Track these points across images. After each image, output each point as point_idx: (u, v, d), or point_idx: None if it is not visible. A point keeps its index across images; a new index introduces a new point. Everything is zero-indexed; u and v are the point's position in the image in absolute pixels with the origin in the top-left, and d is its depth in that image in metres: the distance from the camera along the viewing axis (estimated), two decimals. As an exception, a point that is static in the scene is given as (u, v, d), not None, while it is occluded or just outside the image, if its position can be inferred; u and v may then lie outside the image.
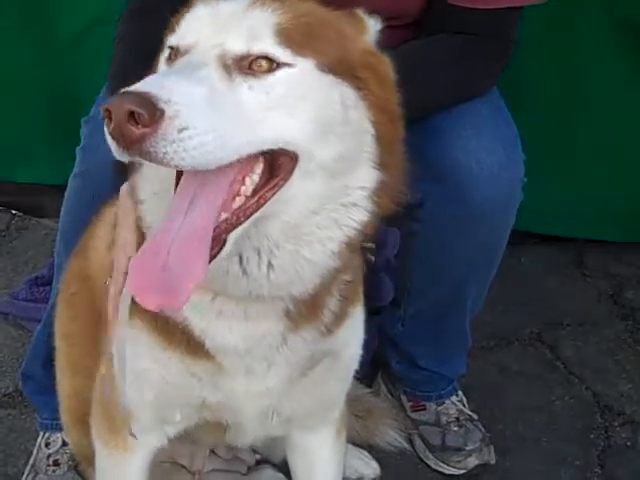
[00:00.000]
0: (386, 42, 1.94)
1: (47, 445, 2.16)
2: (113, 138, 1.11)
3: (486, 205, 1.95)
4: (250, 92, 1.20)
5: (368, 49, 1.37)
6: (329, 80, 1.27)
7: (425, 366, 2.34)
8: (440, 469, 2.32)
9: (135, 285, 1.18)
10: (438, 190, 1.97)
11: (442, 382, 2.39)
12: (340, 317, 1.49)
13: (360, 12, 1.42)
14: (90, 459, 1.70)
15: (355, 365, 1.65)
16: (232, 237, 1.22)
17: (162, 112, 1.09)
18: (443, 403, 2.39)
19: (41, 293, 2.66)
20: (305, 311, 1.40)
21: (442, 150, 1.94)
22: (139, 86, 1.11)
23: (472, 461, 2.29)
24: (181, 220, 1.19)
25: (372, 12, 1.92)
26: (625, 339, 2.88)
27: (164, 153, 1.10)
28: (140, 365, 1.48)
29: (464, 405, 2.40)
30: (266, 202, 1.24)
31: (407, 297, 2.26)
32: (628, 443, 2.46)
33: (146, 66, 1.39)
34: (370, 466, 2.30)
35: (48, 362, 1.94)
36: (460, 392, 2.43)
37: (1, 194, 3.22)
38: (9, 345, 2.65)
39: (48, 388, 1.96)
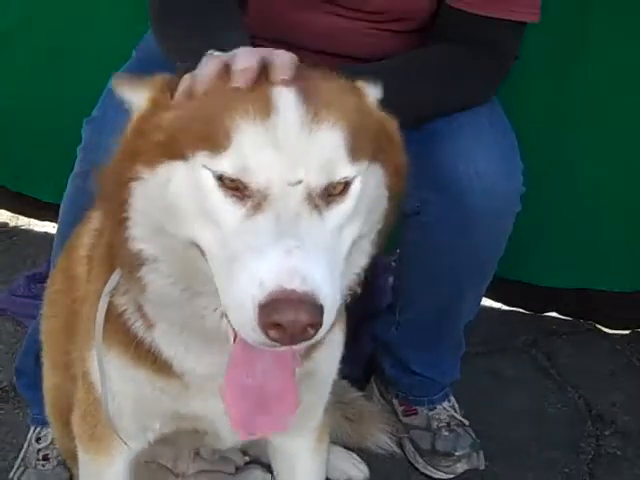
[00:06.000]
0: (392, 49, 1.99)
1: (37, 440, 2.17)
2: (274, 340, 1.10)
3: (484, 214, 1.96)
4: (332, 219, 1.19)
5: (377, 114, 1.33)
6: (371, 170, 1.26)
7: (418, 371, 2.35)
8: (429, 473, 2.32)
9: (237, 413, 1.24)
10: (436, 199, 1.98)
11: (434, 387, 2.39)
12: (316, 345, 1.47)
13: (360, 84, 1.35)
14: (73, 454, 1.72)
15: (332, 379, 1.65)
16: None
17: (322, 307, 1.09)
18: (435, 408, 2.39)
19: (39, 290, 2.65)
20: None
21: (441, 159, 1.95)
22: (294, 283, 1.07)
23: (461, 466, 2.30)
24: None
25: (382, 11, 1.96)
26: (621, 350, 2.89)
27: (319, 337, 1.12)
28: (113, 382, 1.50)
29: (455, 411, 2.41)
30: None
31: (402, 302, 2.28)
32: (618, 452, 2.47)
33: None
34: (359, 469, 2.30)
35: (40, 358, 1.95)
36: (452, 398, 2.43)
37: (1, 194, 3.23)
38: (6, 341, 2.67)
39: (39, 383, 1.98)
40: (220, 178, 1.16)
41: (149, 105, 1.26)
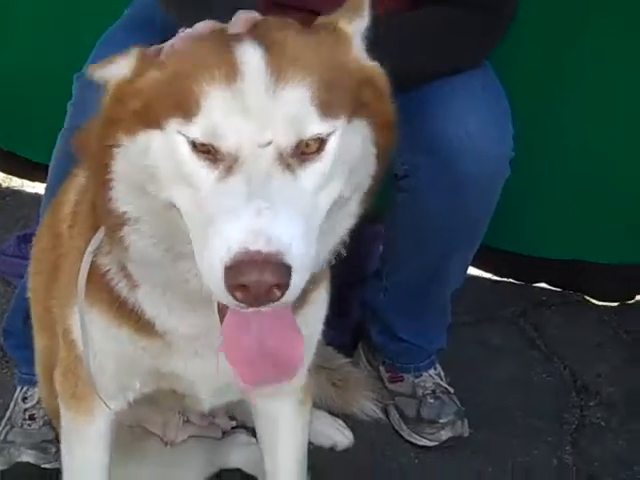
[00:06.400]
0: (388, 10, 1.96)
1: (24, 399, 2.19)
2: (240, 302, 1.11)
3: (473, 178, 1.96)
4: (308, 179, 1.19)
5: (362, 64, 1.31)
6: (353, 127, 1.24)
7: (405, 338, 2.36)
8: (413, 440, 2.34)
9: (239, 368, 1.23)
10: (427, 161, 1.98)
11: (421, 355, 2.41)
12: (299, 305, 1.49)
13: (344, 23, 1.32)
14: (59, 414, 1.73)
15: (316, 340, 1.66)
16: None
17: (290, 268, 1.09)
18: (420, 375, 2.41)
19: (28, 249, 2.66)
20: None
21: (432, 122, 1.95)
22: (258, 244, 1.08)
23: (445, 434, 2.31)
24: None
25: None
26: (608, 321, 2.90)
27: (290, 299, 1.13)
28: (95, 340, 1.52)
29: (441, 378, 2.42)
30: None
31: (390, 266, 2.28)
32: (602, 423, 2.49)
33: None
34: (344, 434, 2.32)
35: (28, 317, 1.96)
36: (438, 366, 2.45)
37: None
38: (-8, 301, 2.68)
39: (28, 343, 1.98)
40: (193, 143, 1.17)
41: (128, 73, 1.27)
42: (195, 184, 1.18)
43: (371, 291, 2.36)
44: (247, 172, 1.14)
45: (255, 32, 1.23)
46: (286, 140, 1.17)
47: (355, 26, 1.33)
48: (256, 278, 1.08)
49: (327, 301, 1.64)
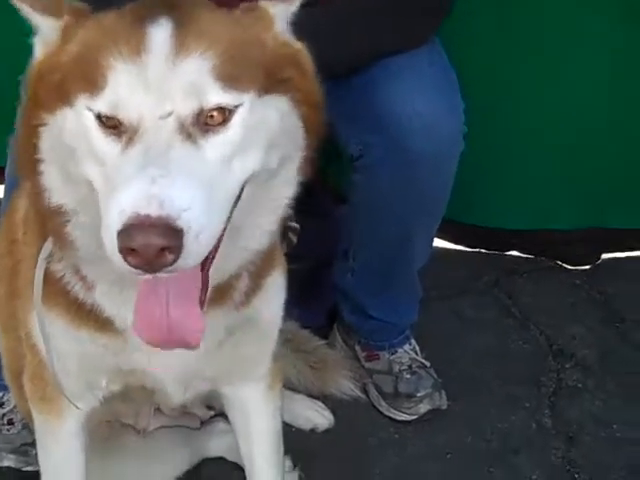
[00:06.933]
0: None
1: (1, 405, 2.19)
2: (135, 267, 1.12)
3: (426, 154, 1.97)
4: (214, 149, 1.20)
5: (282, 42, 1.33)
6: (267, 101, 1.26)
7: (376, 316, 2.37)
8: (392, 416, 2.36)
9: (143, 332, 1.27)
10: (378, 141, 1.99)
11: (394, 331, 2.42)
12: (253, 291, 1.51)
13: (264, 5, 1.34)
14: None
15: (276, 326, 1.67)
16: (210, 271, 1.25)
17: (181, 231, 1.10)
18: (396, 352, 2.42)
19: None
20: (213, 295, 1.39)
21: (381, 101, 1.96)
22: (149, 209, 1.08)
23: (423, 407, 2.33)
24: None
25: None
26: (580, 284, 2.93)
27: (186, 264, 1.13)
28: (56, 342, 1.52)
29: (417, 353, 2.44)
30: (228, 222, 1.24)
31: (354, 248, 2.29)
32: (579, 385, 2.52)
33: None
34: (324, 416, 2.33)
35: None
36: (413, 341, 2.47)
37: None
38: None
39: (-2, 349, 1.99)
40: (99, 118, 1.20)
41: (59, 36, 1.28)
42: (102, 158, 1.21)
43: (339, 272, 2.37)
44: (147, 143, 1.16)
45: (168, 10, 1.25)
46: (185, 109, 1.18)
47: (279, 8, 1.35)
48: (143, 241, 1.08)
49: (284, 287, 1.64)
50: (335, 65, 1.71)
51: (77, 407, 1.61)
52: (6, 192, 2.06)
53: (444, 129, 1.97)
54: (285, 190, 1.38)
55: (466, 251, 3.06)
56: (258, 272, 1.50)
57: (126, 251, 1.10)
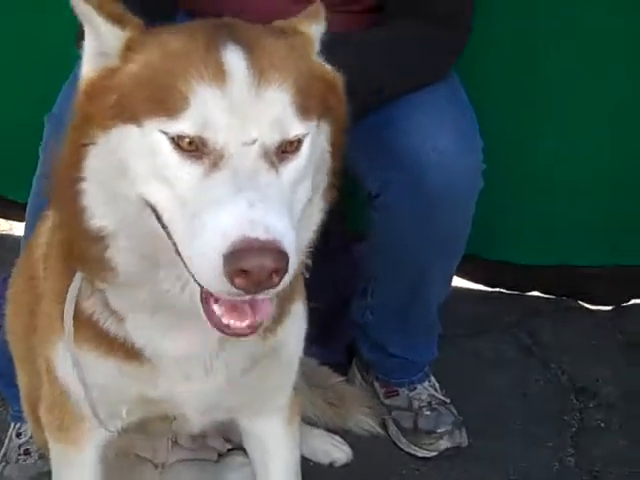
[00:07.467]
0: (348, 28, 2.00)
1: (18, 435, 2.19)
2: (242, 289, 1.13)
3: (444, 192, 1.97)
4: (288, 175, 1.23)
5: (325, 68, 1.37)
6: (321, 128, 1.30)
7: (395, 353, 2.36)
8: (412, 452, 2.33)
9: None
10: (397, 178, 2.00)
11: (413, 368, 2.41)
12: (279, 318, 1.52)
13: (305, 26, 1.39)
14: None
15: (298, 357, 1.67)
16: None
17: (287, 255, 1.13)
18: (415, 388, 2.40)
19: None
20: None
21: (400, 139, 1.98)
22: (257, 232, 1.10)
23: (444, 443, 2.30)
24: None
25: None
26: (603, 325, 2.89)
27: (285, 285, 1.16)
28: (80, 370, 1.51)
29: (436, 390, 2.42)
30: None
31: (372, 285, 2.29)
32: (602, 424, 2.48)
33: None
34: (342, 450, 2.31)
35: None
36: (432, 377, 2.45)
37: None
38: (-12, 343, 2.67)
39: (15, 381, 1.98)
40: (175, 141, 1.19)
41: (121, 51, 1.27)
42: (177, 181, 1.19)
43: (358, 309, 2.36)
44: (234, 167, 1.17)
45: (230, 33, 1.26)
46: (271, 139, 1.20)
47: (314, 28, 1.39)
48: (258, 263, 1.10)
49: (306, 317, 1.65)
50: (365, 95, 1.75)
51: (108, 429, 1.60)
52: (26, 232, 2.08)
53: (462, 167, 1.98)
54: (315, 216, 1.40)
55: (487, 290, 3.04)
56: (284, 298, 1.50)
57: (236, 273, 1.11)
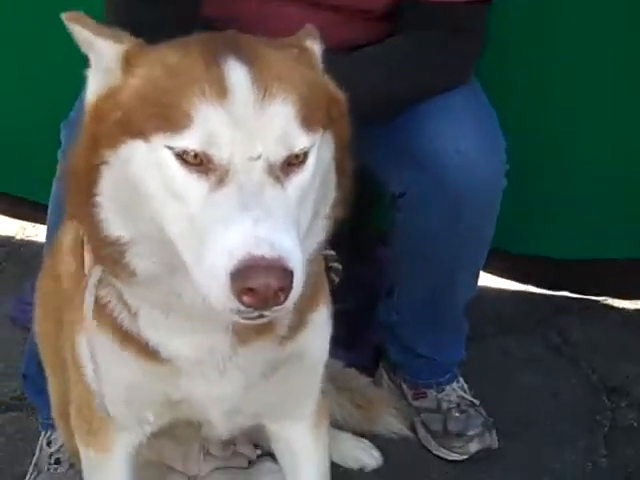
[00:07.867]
0: (363, 35, 2.00)
1: (48, 444, 2.19)
2: (249, 307, 1.13)
3: (467, 193, 1.97)
4: (294, 189, 1.22)
5: (328, 84, 1.36)
6: (325, 139, 1.29)
7: (423, 353, 2.34)
8: (442, 455, 2.31)
9: None
10: (420, 179, 1.99)
11: (441, 369, 2.39)
12: (298, 327, 1.51)
13: (308, 41, 1.40)
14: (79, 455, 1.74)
15: (322, 362, 1.66)
16: None
17: (292, 273, 1.13)
18: (443, 390, 2.38)
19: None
20: (256, 328, 1.39)
21: (422, 140, 1.97)
22: (262, 250, 1.11)
23: (474, 446, 2.28)
24: None
25: (341, 6, 1.97)
26: (632, 322, 2.85)
27: (291, 303, 1.16)
28: (104, 368, 1.51)
29: (465, 391, 2.40)
30: None
31: (398, 286, 2.28)
32: (634, 424, 2.45)
33: None
34: (372, 455, 2.29)
35: (41, 362, 1.97)
36: (461, 378, 2.42)
37: (8, 202, 3.24)
38: (17, 349, 2.67)
39: (45, 387, 1.99)
40: (181, 156, 1.19)
41: (121, 65, 1.27)
42: (184, 196, 1.19)
43: (384, 311, 2.35)
44: (239, 183, 1.17)
45: (231, 46, 1.25)
46: (275, 153, 1.20)
47: (317, 46, 1.40)
48: (264, 281, 1.11)
49: (330, 323, 1.63)
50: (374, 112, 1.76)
51: (125, 431, 1.61)
52: (48, 235, 2.08)
53: (485, 168, 1.97)
54: (320, 234, 1.39)
55: (515, 290, 3.01)
56: (303, 308, 1.49)
57: (243, 291, 1.12)
